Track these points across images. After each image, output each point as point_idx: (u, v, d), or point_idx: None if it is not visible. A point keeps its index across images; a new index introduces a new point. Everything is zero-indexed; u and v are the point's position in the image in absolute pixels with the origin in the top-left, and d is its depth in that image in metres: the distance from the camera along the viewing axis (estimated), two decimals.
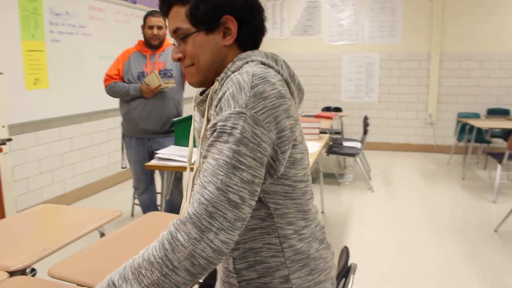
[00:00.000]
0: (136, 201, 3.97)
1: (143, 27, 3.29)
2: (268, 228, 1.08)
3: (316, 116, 5.67)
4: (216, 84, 1.04)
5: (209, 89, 1.06)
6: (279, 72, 1.04)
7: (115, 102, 3.56)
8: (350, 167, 6.34)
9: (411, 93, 7.47)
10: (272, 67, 1.04)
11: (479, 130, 5.76)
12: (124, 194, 4.92)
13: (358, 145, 5.57)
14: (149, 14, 3.27)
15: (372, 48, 7.43)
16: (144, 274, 0.91)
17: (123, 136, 3.54)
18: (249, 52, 1.07)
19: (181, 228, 0.91)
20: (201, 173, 0.96)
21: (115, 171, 5.42)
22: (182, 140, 3.07)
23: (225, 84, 0.99)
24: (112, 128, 5.32)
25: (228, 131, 0.92)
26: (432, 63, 7.28)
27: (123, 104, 3.39)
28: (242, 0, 1.06)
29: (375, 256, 3.42)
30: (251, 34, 1.09)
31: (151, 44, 3.30)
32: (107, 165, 5.31)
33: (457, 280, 3.03)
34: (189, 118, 3.07)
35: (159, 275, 0.91)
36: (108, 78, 3.32)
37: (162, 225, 1.96)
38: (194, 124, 1.20)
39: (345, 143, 5.76)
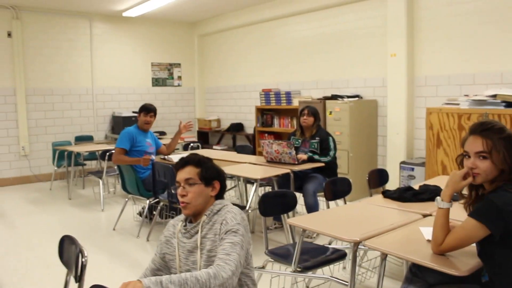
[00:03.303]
0: None
1: None
2: None
3: None
4: (204, 217, 2.04)
5: (199, 220, 2.05)
6: None
7: None
8: None
9: (1, 128, 7.57)
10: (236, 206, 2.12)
11: (74, 155, 6.62)
12: None
13: None
14: None
15: None
16: (189, 284, 1.62)
17: None
18: (221, 200, 2.12)
19: (221, 269, 1.74)
20: (220, 250, 1.85)
21: None
22: None
23: (221, 214, 2.02)
24: None
25: (235, 230, 1.92)
26: (18, 98, 7.63)
27: None
28: (225, 177, 2.20)
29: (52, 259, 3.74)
30: (221, 192, 2.15)
31: None
32: None
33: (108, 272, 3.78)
34: None
35: None
36: None
37: None
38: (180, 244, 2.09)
39: None
